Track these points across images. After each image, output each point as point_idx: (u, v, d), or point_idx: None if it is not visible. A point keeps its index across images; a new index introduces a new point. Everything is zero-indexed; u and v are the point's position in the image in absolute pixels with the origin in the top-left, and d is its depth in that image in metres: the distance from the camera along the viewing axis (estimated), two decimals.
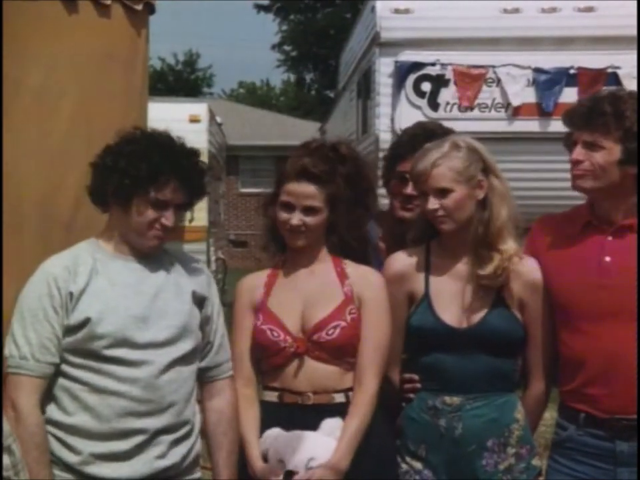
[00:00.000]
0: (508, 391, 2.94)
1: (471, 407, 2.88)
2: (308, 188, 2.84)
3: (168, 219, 2.64)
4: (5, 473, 2.21)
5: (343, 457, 2.74)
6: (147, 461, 2.60)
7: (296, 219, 2.84)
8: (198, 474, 2.78)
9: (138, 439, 2.59)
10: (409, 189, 3.25)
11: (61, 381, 2.60)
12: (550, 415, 3.13)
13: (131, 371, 2.59)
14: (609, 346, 2.79)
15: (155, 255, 2.72)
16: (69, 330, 2.58)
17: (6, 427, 2.27)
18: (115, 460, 2.58)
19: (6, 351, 2.58)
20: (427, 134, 3.24)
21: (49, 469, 2.55)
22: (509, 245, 2.89)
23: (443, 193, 2.85)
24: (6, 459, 2.21)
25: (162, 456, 2.62)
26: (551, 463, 2.94)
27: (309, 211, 2.84)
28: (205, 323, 2.77)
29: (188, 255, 2.89)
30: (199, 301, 2.76)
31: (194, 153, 2.72)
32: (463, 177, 2.85)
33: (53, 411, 2.60)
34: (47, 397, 2.60)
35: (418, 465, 2.92)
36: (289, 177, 2.87)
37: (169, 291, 2.70)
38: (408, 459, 2.94)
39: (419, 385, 2.95)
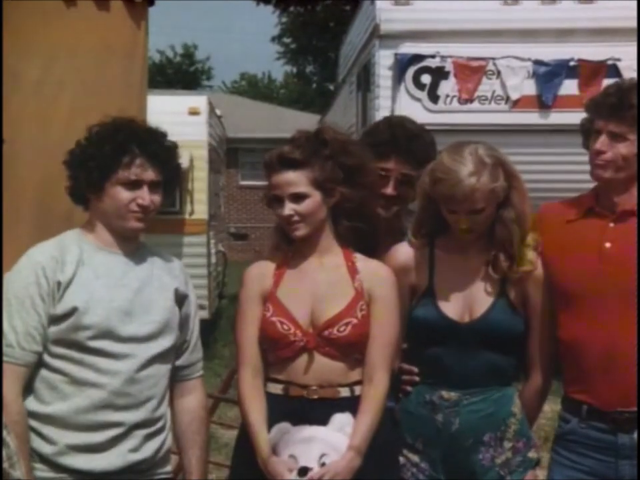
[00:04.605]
0: (505, 384, 2.94)
1: (467, 402, 2.88)
2: (289, 175, 2.80)
3: (144, 198, 2.64)
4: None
5: (356, 456, 2.71)
6: (121, 454, 2.62)
7: (286, 209, 2.80)
8: (169, 467, 2.80)
9: (113, 431, 2.61)
10: (390, 189, 3.23)
11: (41, 372, 2.61)
12: (550, 408, 3.14)
13: (113, 363, 2.60)
14: (607, 333, 2.79)
15: (137, 248, 2.75)
16: (54, 320, 2.59)
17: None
18: (89, 451, 2.60)
19: None
20: (407, 134, 3.25)
21: (28, 459, 2.54)
22: (531, 237, 2.92)
23: (476, 211, 2.83)
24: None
25: (135, 449, 2.65)
26: (554, 455, 2.95)
27: (296, 198, 2.80)
28: (184, 321, 2.79)
29: (164, 252, 2.89)
30: (180, 299, 2.77)
31: (159, 132, 2.72)
32: (493, 195, 2.83)
33: (29, 401, 2.60)
34: (25, 387, 2.60)
35: (415, 458, 2.92)
36: (271, 170, 2.85)
37: (152, 286, 2.72)
38: (405, 451, 2.94)
39: (417, 378, 2.96)
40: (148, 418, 2.67)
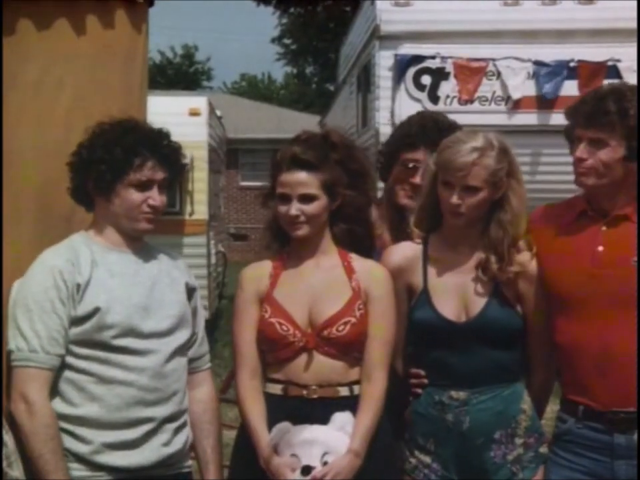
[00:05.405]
0: (513, 381, 2.95)
1: (477, 400, 2.89)
2: (300, 176, 2.82)
3: (154, 198, 2.68)
4: None
5: (358, 454, 2.73)
6: (155, 448, 2.66)
7: (293, 209, 2.82)
8: (190, 461, 2.85)
9: (146, 427, 2.64)
10: (418, 179, 3.26)
11: (66, 373, 2.62)
12: (549, 409, 3.14)
13: (138, 360, 2.63)
14: (602, 336, 2.80)
15: (143, 247, 2.78)
16: (76, 321, 2.61)
17: None
18: (125, 448, 2.62)
19: (12, 345, 2.58)
20: (438, 126, 3.31)
21: (64, 460, 2.57)
22: (523, 241, 2.94)
23: (471, 190, 2.85)
24: None
25: (167, 443, 2.69)
26: (551, 455, 2.95)
27: (305, 199, 2.82)
28: (193, 314, 2.84)
29: (167, 249, 2.92)
30: (190, 292, 2.83)
31: (165, 133, 2.76)
32: (492, 179, 2.85)
33: (56, 403, 2.61)
34: (50, 390, 2.61)
35: (427, 459, 2.93)
36: (280, 168, 2.86)
37: (163, 282, 2.75)
38: (416, 452, 2.95)
39: (425, 381, 2.96)
40: (176, 411, 2.71)
